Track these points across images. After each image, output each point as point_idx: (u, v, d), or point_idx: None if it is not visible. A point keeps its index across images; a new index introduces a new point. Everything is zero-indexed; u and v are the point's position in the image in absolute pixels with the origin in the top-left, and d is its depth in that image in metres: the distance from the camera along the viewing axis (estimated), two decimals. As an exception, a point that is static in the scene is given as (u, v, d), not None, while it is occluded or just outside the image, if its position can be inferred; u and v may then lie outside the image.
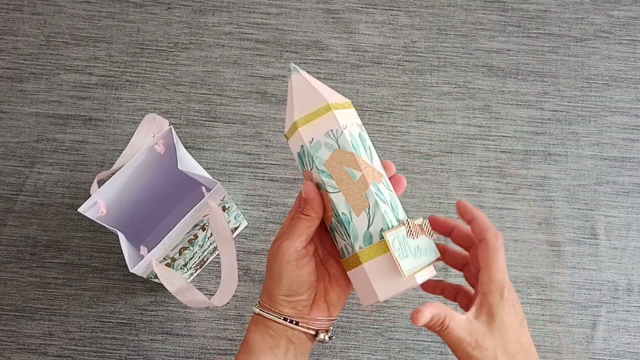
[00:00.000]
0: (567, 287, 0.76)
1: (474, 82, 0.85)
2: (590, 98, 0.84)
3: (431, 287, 0.56)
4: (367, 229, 0.47)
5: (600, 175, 0.81)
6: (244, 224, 0.77)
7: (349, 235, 0.48)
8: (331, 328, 0.53)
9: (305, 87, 0.50)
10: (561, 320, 0.74)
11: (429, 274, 0.48)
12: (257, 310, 0.52)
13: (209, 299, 0.65)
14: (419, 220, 0.48)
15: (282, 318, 0.50)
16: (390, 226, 0.46)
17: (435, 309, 0.46)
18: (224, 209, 0.67)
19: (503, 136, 0.82)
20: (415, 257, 0.47)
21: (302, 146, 0.49)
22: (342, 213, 0.48)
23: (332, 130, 0.48)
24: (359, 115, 0.53)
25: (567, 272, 0.76)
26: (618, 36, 0.87)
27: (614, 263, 0.77)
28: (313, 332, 0.51)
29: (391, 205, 0.48)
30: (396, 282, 0.46)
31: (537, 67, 0.86)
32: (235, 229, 0.76)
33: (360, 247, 0.47)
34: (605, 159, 0.81)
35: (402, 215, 0.49)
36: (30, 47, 0.85)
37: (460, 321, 0.46)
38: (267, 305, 0.51)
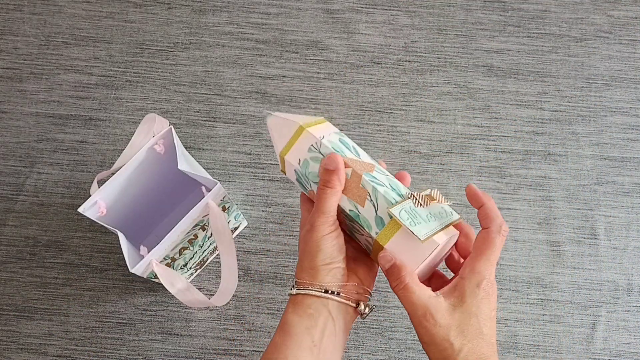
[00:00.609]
0: (567, 287, 0.76)
1: (474, 82, 0.85)
2: (590, 98, 0.84)
3: None
4: (376, 214, 0.48)
5: (600, 175, 0.81)
6: (244, 224, 0.77)
7: (363, 227, 0.49)
8: (370, 302, 0.52)
9: (279, 122, 0.54)
10: (561, 320, 0.74)
11: (448, 234, 0.49)
12: (295, 291, 0.50)
13: (209, 299, 0.65)
14: (427, 191, 0.50)
15: (323, 290, 0.49)
16: (394, 203, 0.48)
17: (399, 261, 0.48)
18: (224, 209, 0.67)
19: (503, 136, 0.82)
20: (429, 222, 0.48)
21: (295, 171, 0.53)
22: (350, 210, 0.50)
23: (312, 145, 0.51)
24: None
25: (567, 272, 0.76)
26: (618, 36, 0.87)
27: (614, 263, 0.77)
28: (354, 304, 0.50)
29: (390, 187, 0.50)
30: (418, 249, 0.48)
31: (537, 67, 0.86)
32: (235, 229, 0.76)
33: (376, 233, 0.49)
34: (605, 159, 0.81)
35: (405, 191, 0.50)
36: (30, 47, 0.85)
37: (423, 290, 0.47)
38: (307, 281, 0.50)
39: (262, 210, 0.78)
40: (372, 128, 0.82)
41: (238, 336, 0.73)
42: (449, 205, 0.51)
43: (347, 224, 0.52)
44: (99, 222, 0.60)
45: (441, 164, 0.81)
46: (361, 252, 0.54)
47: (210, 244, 0.72)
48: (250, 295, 0.74)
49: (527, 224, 0.78)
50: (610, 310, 0.75)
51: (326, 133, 0.52)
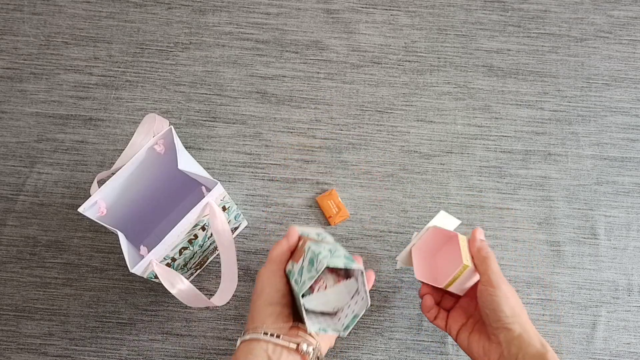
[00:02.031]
0: (567, 287, 0.76)
1: (474, 82, 0.85)
2: (590, 98, 0.84)
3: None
4: (301, 265, 0.54)
5: (600, 175, 0.81)
6: (244, 224, 0.77)
7: (290, 280, 0.55)
8: (318, 349, 0.53)
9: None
10: (561, 320, 0.74)
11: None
12: (239, 340, 0.53)
13: (209, 299, 0.65)
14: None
15: (262, 333, 0.52)
16: (316, 253, 0.53)
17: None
18: (224, 209, 0.67)
19: (503, 136, 0.82)
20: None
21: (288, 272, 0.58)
22: (288, 270, 0.56)
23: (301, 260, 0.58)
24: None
25: (567, 272, 0.76)
26: (618, 36, 0.87)
27: (614, 263, 0.77)
28: (294, 346, 0.52)
29: (329, 250, 0.55)
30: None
31: (537, 67, 0.86)
32: (235, 229, 0.76)
33: (295, 280, 0.54)
34: (605, 159, 0.81)
35: (342, 252, 0.56)
36: (30, 47, 0.85)
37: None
38: (250, 326, 0.53)
39: (262, 210, 0.78)
40: (372, 128, 0.82)
41: (238, 336, 0.73)
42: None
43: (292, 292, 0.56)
44: (99, 222, 0.60)
45: (441, 164, 0.81)
46: None
47: (210, 244, 0.72)
48: (250, 295, 0.74)
49: (527, 224, 0.78)
50: (610, 310, 0.75)
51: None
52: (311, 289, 0.55)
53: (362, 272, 0.54)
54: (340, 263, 0.52)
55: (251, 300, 0.55)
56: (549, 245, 0.77)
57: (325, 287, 0.55)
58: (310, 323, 0.53)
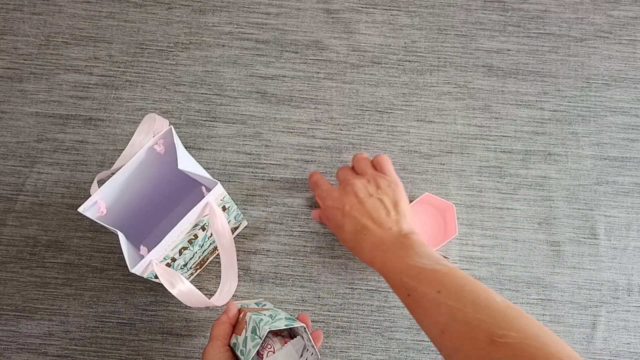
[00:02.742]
0: (567, 287, 0.76)
1: (474, 82, 0.85)
2: (590, 98, 0.84)
3: None
4: (245, 335, 0.57)
5: (600, 175, 0.81)
6: (244, 224, 0.77)
7: (235, 351, 0.57)
8: None
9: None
10: (561, 320, 0.74)
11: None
12: None
13: (209, 299, 0.65)
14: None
15: None
16: (258, 322, 0.56)
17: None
18: (224, 209, 0.67)
19: (503, 136, 0.82)
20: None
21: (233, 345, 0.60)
22: (234, 343, 0.58)
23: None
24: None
25: (567, 272, 0.76)
26: (618, 36, 0.87)
27: (614, 263, 0.77)
28: None
29: (270, 315, 0.58)
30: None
31: (537, 67, 0.86)
32: (235, 229, 0.76)
33: (240, 351, 0.56)
34: (605, 159, 0.81)
35: (283, 316, 0.59)
36: (30, 47, 0.85)
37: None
38: None
39: (262, 210, 0.78)
40: (372, 128, 0.82)
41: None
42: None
43: None
44: (99, 222, 0.60)
45: (441, 164, 0.81)
46: None
47: (210, 244, 0.72)
48: (250, 295, 0.74)
49: (527, 224, 0.78)
50: (610, 310, 0.75)
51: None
52: (260, 356, 0.58)
53: (304, 329, 0.57)
54: (281, 325, 0.55)
55: None
56: (549, 245, 0.77)
57: (274, 351, 0.58)
58: None
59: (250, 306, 0.63)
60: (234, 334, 0.59)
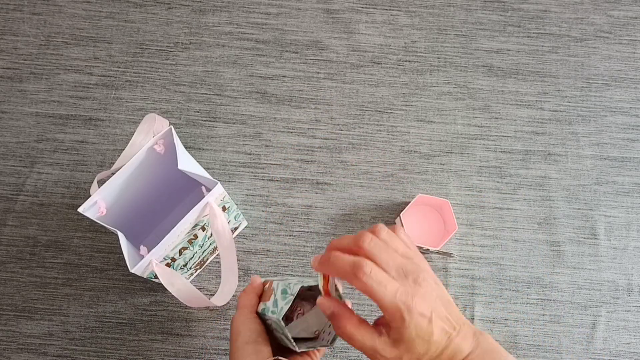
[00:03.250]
0: (567, 287, 0.76)
1: (474, 82, 0.85)
2: (590, 98, 0.84)
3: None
4: (274, 298, 0.55)
5: (600, 175, 0.81)
6: (244, 224, 0.77)
7: (265, 314, 0.55)
8: None
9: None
10: (561, 320, 0.74)
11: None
12: None
13: (209, 299, 0.65)
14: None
15: None
16: (286, 285, 0.55)
17: (335, 306, 0.50)
18: (224, 209, 0.67)
19: (503, 136, 0.82)
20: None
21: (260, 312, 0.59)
22: (262, 309, 0.57)
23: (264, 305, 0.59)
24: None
25: (567, 272, 0.76)
26: (618, 36, 0.87)
27: (614, 263, 0.77)
28: None
29: (295, 279, 0.56)
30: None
31: (537, 67, 0.86)
32: (235, 229, 0.76)
33: (271, 312, 0.54)
34: (605, 159, 0.81)
35: (296, 282, 0.56)
36: (30, 47, 0.85)
37: (365, 334, 0.50)
38: None
39: (262, 210, 0.78)
40: (372, 128, 0.82)
41: (238, 336, 0.73)
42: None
43: (270, 330, 0.57)
44: (99, 222, 0.60)
45: (441, 164, 0.81)
46: (292, 357, 0.57)
47: (210, 244, 0.72)
48: (250, 295, 0.74)
49: (527, 224, 0.78)
50: (610, 310, 0.75)
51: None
52: (290, 319, 0.57)
53: (336, 287, 0.55)
54: (312, 282, 0.54)
55: (229, 344, 0.56)
56: (549, 245, 0.77)
57: (303, 313, 0.57)
58: (298, 344, 0.54)
59: (274, 278, 0.63)
60: (261, 302, 0.58)
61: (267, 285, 0.59)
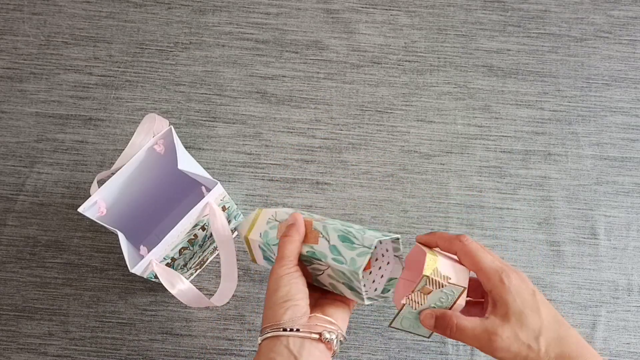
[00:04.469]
0: (567, 287, 0.76)
1: (474, 82, 0.85)
2: (590, 98, 0.84)
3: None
4: (329, 244, 0.53)
5: (600, 175, 0.81)
6: (244, 224, 0.77)
7: (320, 260, 0.53)
8: (340, 335, 0.52)
9: (244, 221, 0.61)
10: (561, 320, 0.74)
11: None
12: (259, 339, 0.52)
13: (209, 299, 0.65)
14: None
15: (281, 329, 0.50)
16: (343, 230, 0.53)
17: (435, 311, 0.51)
18: (223, 209, 0.67)
19: (503, 136, 0.82)
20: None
21: (259, 246, 0.58)
22: (307, 251, 0.54)
23: (269, 217, 0.58)
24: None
25: (567, 272, 0.76)
26: (618, 36, 0.87)
27: (614, 263, 0.77)
28: (316, 335, 0.50)
29: (340, 224, 0.54)
30: (462, 272, 0.53)
31: (537, 67, 0.86)
32: (235, 228, 0.76)
33: (332, 259, 0.52)
34: (605, 159, 0.81)
35: (358, 226, 0.54)
36: (30, 47, 0.85)
37: (474, 322, 0.50)
38: (267, 324, 0.51)
39: (262, 210, 0.78)
40: (372, 128, 0.82)
41: (238, 336, 0.73)
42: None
43: (310, 272, 0.55)
44: (99, 222, 0.60)
45: (441, 164, 0.81)
46: (330, 299, 0.56)
47: (211, 244, 0.72)
48: (250, 295, 0.74)
49: (527, 224, 0.78)
50: (610, 310, 0.75)
51: (280, 210, 0.58)
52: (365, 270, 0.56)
53: (400, 240, 0.55)
54: (379, 235, 0.52)
55: (265, 298, 0.53)
56: (549, 245, 0.77)
57: (388, 263, 0.56)
58: (366, 295, 0.52)
59: (312, 216, 0.57)
60: (303, 244, 0.55)
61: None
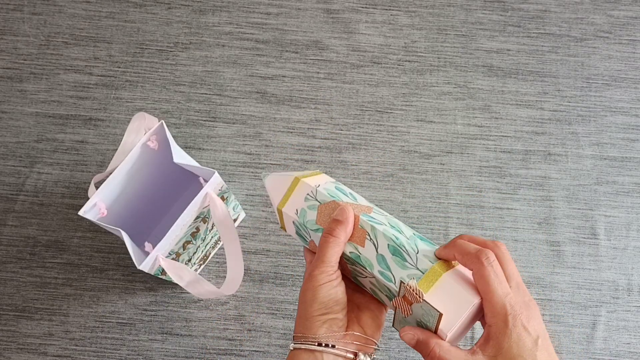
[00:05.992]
0: (567, 287, 0.76)
1: (474, 82, 0.85)
2: (590, 98, 0.84)
3: None
4: (377, 252, 0.47)
5: (600, 175, 0.81)
6: (242, 215, 0.77)
7: (365, 268, 0.48)
8: (374, 352, 0.50)
9: (275, 179, 0.54)
10: (561, 320, 0.74)
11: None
12: (292, 346, 0.48)
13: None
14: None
15: (317, 344, 0.47)
16: (394, 239, 0.47)
17: (419, 333, 0.46)
18: (223, 198, 0.67)
19: (503, 136, 0.83)
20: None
21: (293, 222, 0.52)
22: (350, 252, 0.49)
23: (308, 194, 0.51)
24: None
25: (567, 272, 0.76)
26: (618, 36, 0.87)
27: (614, 263, 0.77)
28: (352, 355, 0.48)
29: (389, 225, 0.49)
30: (459, 301, 0.46)
31: (537, 67, 0.86)
32: (235, 220, 0.75)
33: (379, 272, 0.47)
34: (605, 159, 0.81)
35: (406, 231, 0.49)
36: (30, 47, 0.85)
37: (457, 355, 0.45)
38: (301, 334, 0.48)
39: (262, 210, 0.78)
40: (372, 128, 0.82)
41: (238, 336, 0.73)
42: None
43: (350, 269, 0.51)
44: (101, 223, 0.60)
45: (441, 164, 0.81)
46: (367, 299, 0.52)
47: (212, 236, 0.72)
48: (250, 295, 0.74)
49: (527, 224, 0.78)
50: (610, 310, 0.75)
51: (322, 182, 0.52)
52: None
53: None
54: (430, 249, 0.47)
55: (300, 302, 0.49)
56: (549, 245, 0.77)
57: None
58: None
59: (342, 200, 0.51)
60: (348, 241, 0.49)
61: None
